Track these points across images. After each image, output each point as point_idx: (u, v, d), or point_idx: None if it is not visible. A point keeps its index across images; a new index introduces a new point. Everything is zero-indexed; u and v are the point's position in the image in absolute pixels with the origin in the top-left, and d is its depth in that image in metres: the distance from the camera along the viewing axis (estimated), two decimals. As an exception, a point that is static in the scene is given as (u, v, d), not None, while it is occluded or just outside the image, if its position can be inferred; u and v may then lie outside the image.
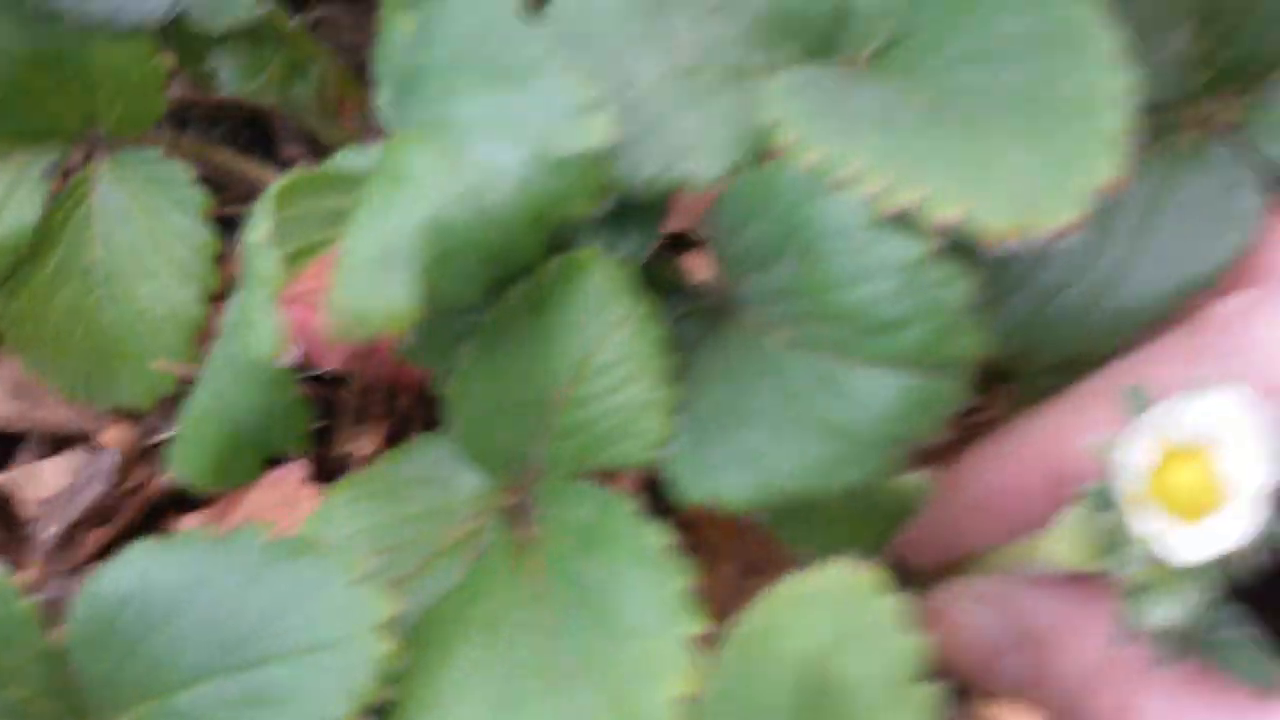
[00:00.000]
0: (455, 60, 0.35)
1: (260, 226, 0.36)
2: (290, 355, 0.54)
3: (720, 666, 0.33)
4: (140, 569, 0.36)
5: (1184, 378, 0.35)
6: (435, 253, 0.33)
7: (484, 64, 0.34)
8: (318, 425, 0.52)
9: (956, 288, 0.32)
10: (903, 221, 0.32)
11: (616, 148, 0.35)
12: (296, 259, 0.38)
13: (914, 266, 0.32)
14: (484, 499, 0.41)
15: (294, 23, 0.54)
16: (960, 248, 0.32)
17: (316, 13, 0.63)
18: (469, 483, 0.41)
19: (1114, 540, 0.32)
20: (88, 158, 0.52)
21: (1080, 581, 0.38)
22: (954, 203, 0.31)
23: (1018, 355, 0.40)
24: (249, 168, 0.55)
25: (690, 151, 0.36)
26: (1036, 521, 0.36)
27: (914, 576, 0.43)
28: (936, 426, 0.33)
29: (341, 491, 0.41)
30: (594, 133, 0.33)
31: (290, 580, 0.35)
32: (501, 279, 0.36)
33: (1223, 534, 0.29)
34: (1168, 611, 0.31)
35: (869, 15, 0.40)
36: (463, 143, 0.33)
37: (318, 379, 0.54)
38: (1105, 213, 0.39)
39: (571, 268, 0.37)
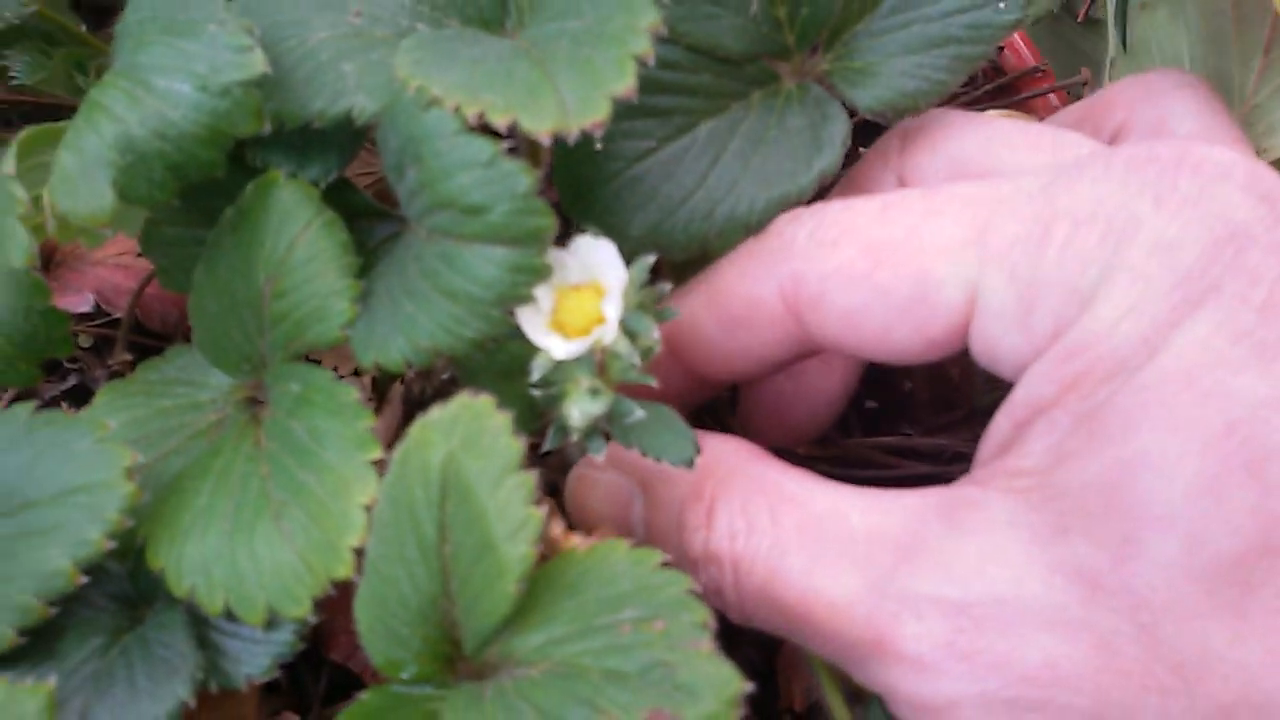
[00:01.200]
0: (146, 19, 0.45)
1: (7, 161, 0.45)
2: (86, 303, 0.63)
3: (388, 477, 0.43)
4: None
5: (744, 274, 0.47)
6: (125, 164, 0.43)
7: (166, 21, 0.44)
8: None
9: (524, 177, 0.42)
10: (483, 130, 0.42)
11: (284, 83, 0.46)
12: (39, 200, 0.47)
13: (489, 162, 0.42)
14: (227, 392, 0.51)
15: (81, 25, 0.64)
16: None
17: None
18: (214, 380, 0.51)
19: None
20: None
21: None
22: (503, 113, 0.41)
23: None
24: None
25: (351, 91, 0.46)
26: None
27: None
28: (529, 287, 0.43)
29: (105, 393, 0.51)
30: (250, 66, 0.43)
31: (48, 440, 0.44)
32: (193, 199, 0.45)
33: (596, 333, 0.42)
34: (585, 407, 0.42)
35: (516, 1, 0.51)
36: (148, 79, 0.43)
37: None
38: (720, 139, 0.51)
39: (265, 186, 0.47)
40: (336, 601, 0.45)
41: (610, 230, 0.50)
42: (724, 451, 0.47)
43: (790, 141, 0.50)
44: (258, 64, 0.43)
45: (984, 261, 0.41)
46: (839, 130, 0.50)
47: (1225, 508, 0.34)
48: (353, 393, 0.45)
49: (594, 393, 0.43)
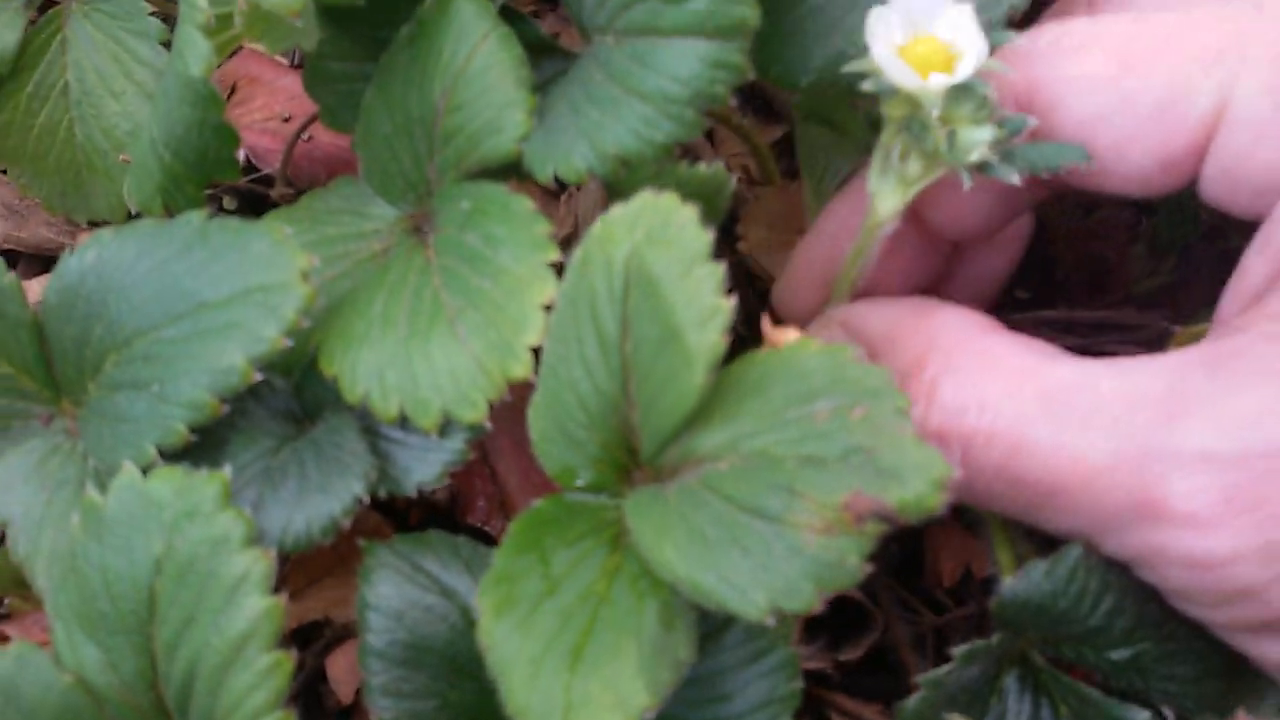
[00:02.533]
0: None
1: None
2: (240, 159, 0.63)
3: (569, 274, 0.41)
4: (96, 250, 0.45)
5: None
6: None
7: None
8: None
9: None
10: None
11: None
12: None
13: None
14: (392, 222, 0.50)
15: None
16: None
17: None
18: (379, 210, 0.50)
19: (918, 137, 0.40)
20: (60, -7, 0.61)
21: (906, 298, 0.47)
22: None
23: (828, 84, 0.48)
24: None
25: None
26: None
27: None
28: (729, 85, 0.42)
29: (272, 218, 0.50)
30: None
31: (221, 243, 0.43)
32: (360, 32, 0.45)
33: (967, 58, 0.39)
34: (978, 133, 0.39)
35: None
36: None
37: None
38: None
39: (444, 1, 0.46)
40: (472, 469, 0.43)
41: (792, 60, 0.48)
42: (947, 322, 0.44)
43: None
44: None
45: (1242, 71, 0.39)
46: None
47: None
48: (527, 202, 0.44)
49: (979, 119, 0.40)
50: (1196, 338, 0.43)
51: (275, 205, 0.62)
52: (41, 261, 0.66)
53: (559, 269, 0.42)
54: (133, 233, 0.45)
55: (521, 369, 0.42)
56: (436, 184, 0.48)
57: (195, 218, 0.44)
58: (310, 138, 0.62)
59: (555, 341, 0.41)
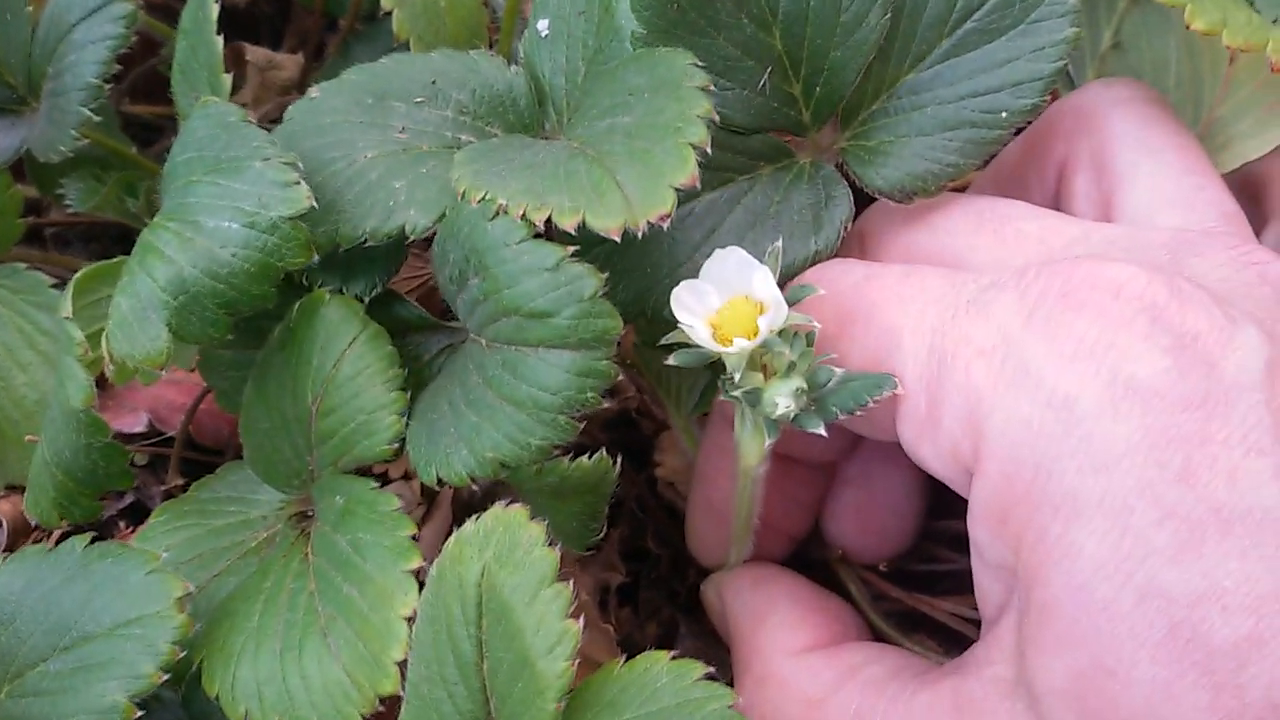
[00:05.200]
0: (192, 159, 0.46)
1: (65, 304, 0.46)
2: (141, 422, 0.65)
3: (425, 594, 0.43)
4: (-11, 580, 0.46)
5: None
6: (178, 304, 0.44)
7: (211, 159, 0.45)
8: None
9: (590, 280, 0.42)
10: (546, 236, 0.42)
11: (335, 204, 0.47)
12: (94, 336, 0.48)
13: (554, 267, 0.42)
14: (277, 508, 0.51)
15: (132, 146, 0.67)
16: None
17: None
18: (265, 497, 0.52)
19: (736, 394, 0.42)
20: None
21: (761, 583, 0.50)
22: (570, 215, 0.41)
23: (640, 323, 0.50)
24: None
25: (402, 207, 0.47)
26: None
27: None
28: (598, 392, 0.43)
29: (161, 513, 0.52)
30: (297, 200, 0.44)
31: (101, 574, 0.45)
32: (246, 322, 0.46)
33: (771, 316, 0.40)
34: (787, 388, 0.41)
35: (555, 99, 0.52)
36: (197, 219, 0.44)
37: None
38: (720, 212, 0.50)
39: (311, 305, 0.48)
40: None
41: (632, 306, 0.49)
42: (762, 643, 0.48)
43: (791, 219, 0.49)
44: (303, 198, 0.44)
45: (906, 362, 0.41)
46: (841, 212, 0.48)
47: (1183, 710, 0.34)
48: (393, 502, 0.46)
49: (790, 369, 0.41)
50: None
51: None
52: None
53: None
54: (21, 563, 0.46)
55: (390, 685, 0.43)
56: (318, 473, 0.49)
57: (76, 546, 0.46)
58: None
59: (418, 660, 0.42)
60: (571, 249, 0.43)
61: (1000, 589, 0.40)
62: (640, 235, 0.41)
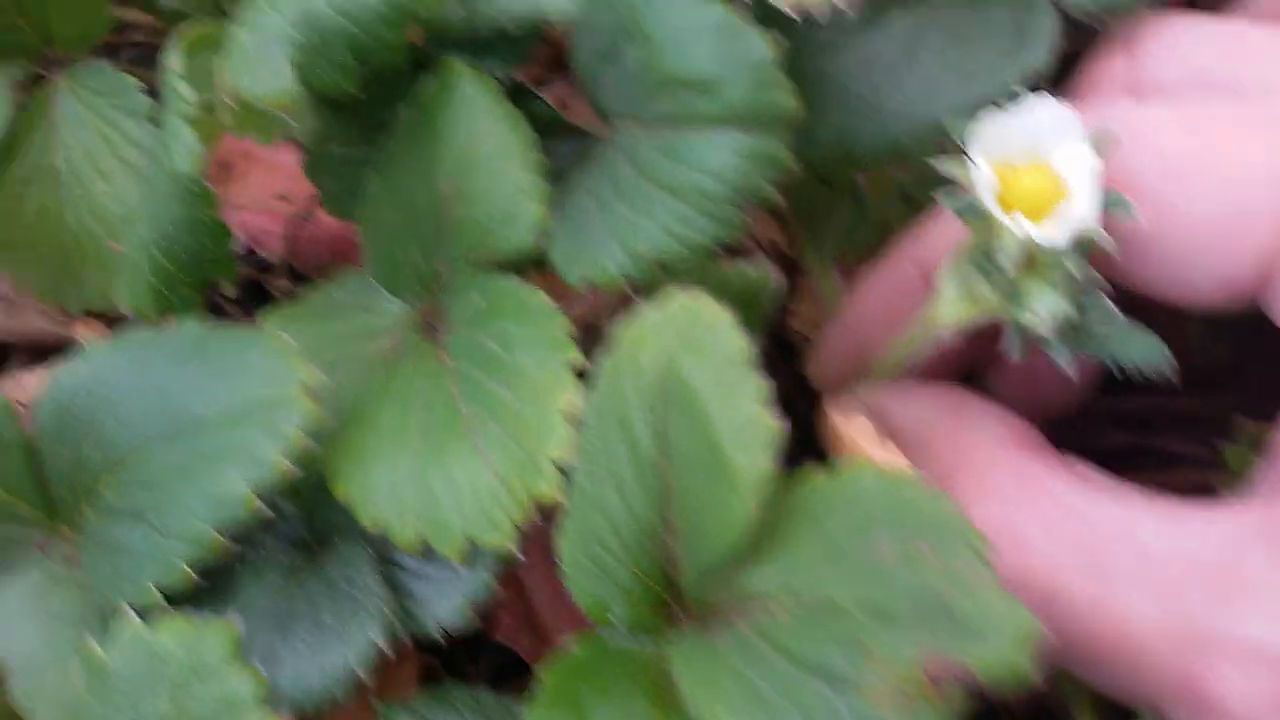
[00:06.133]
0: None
1: (174, 57, 0.41)
2: (236, 245, 0.60)
3: (598, 380, 0.38)
4: (89, 363, 0.41)
5: None
6: (308, 42, 0.39)
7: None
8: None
9: (764, 47, 0.37)
10: None
11: None
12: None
13: (726, 30, 0.37)
14: (401, 318, 0.46)
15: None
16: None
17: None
18: (387, 306, 0.46)
19: (987, 270, 0.37)
20: (47, 73, 0.58)
21: (942, 391, 0.43)
22: None
23: (841, 160, 0.45)
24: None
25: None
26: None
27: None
28: (768, 179, 0.38)
29: (271, 319, 0.47)
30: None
31: (218, 355, 0.40)
32: (367, 109, 0.41)
33: (1072, 217, 0.35)
34: (1050, 303, 0.36)
35: None
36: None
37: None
38: (917, 33, 0.45)
39: (446, 79, 0.42)
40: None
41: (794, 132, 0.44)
42: (983, 433, 0.40)
43: (993, 36, 0.44)
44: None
45: None
46: (1046, 24, 0.43)
47: None
48: (542, 296, 0.41)
49: (1067, 288, 0.36)
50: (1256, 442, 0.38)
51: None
52: (37, 354, 0.63)
53: (582, 373, 0.39)
54: (126, 344, 0.42)
55: (548, 488, 0.38)
56: (447, 278, 0.44)
57: (192, 326, 0.41)
58: (313, 217, 0.59)
59: (585, 458, 0.37)
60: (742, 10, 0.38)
61: None
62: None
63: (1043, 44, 0.43)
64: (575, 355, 0.39)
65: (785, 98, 0.38)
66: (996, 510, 0.38)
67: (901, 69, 0.45)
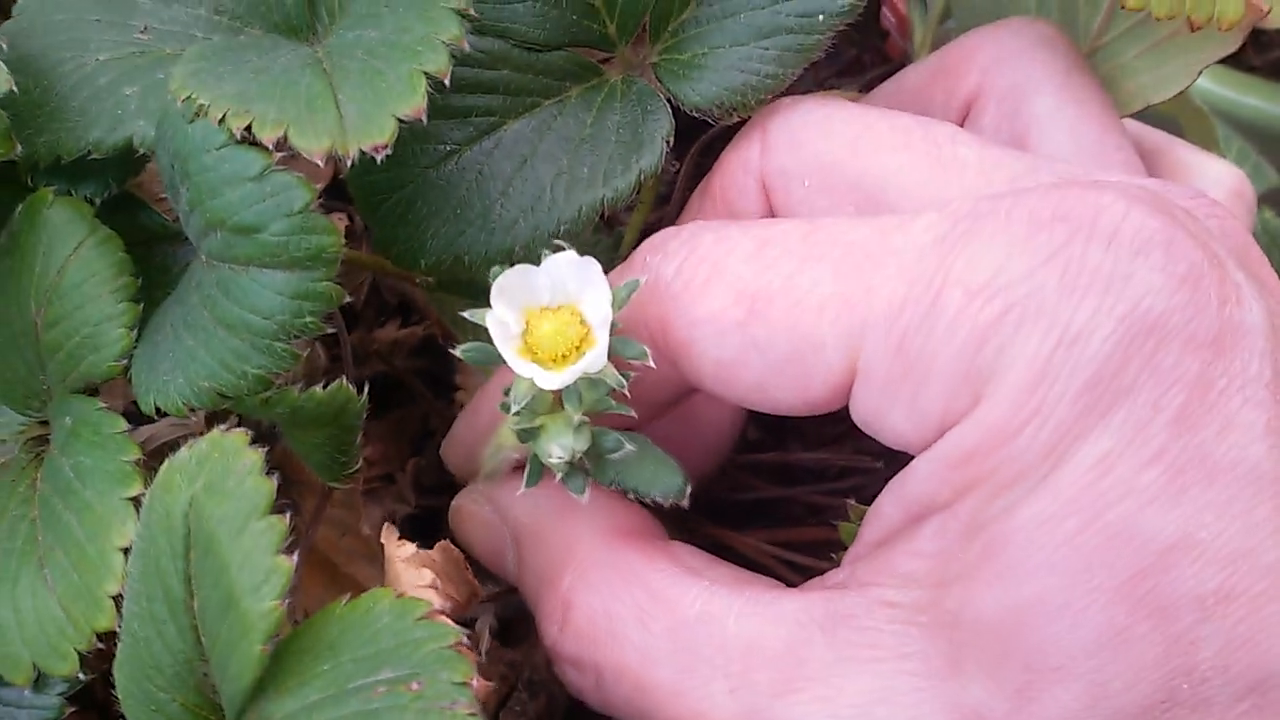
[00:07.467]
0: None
1: None
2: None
3: (137, 526, 0.39)
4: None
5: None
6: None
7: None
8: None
9: (300, 191, 0.38)
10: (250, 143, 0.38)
11: (60, 111, 0.43)
12: None
13: (258, 176, 0.38)
14: (16, 431, 0.47)
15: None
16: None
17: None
18: (5, 420, 0.47)
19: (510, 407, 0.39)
20: None
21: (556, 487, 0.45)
22: (273, 127, 0.37)
23: (453, 266, 0.46)
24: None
25: (131, 117, 0.43)
26: None
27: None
28: (318, 316, 0.40)
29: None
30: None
31: None
32: None
33: (586, 361, 0.37)
34: (564, 441, 0.38)
35: (327, 4, 0.47)
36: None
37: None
38: (529, 141, 0.47)
39: (33, 206, 0.43)
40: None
41: (404, 242, 0.46)
42: (586, 528, 0.42)
43: (609, 141, 0.46)
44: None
45: (867, 326, 0.36)
46: (661, 127, 0.45)
47: (1129, 659, 0.32)
48: (119, 424, 0.42)
49: (579, 426, 0.38)
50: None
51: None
52: None
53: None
54: None
55: (105, 620, 0.40)
56: (52, 394, 0.45)
57: None
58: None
59: (130, 595, 0.39)
60: (279, 155, 0.39)
61: (900, 518, 0.37)
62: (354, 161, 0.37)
63: (658, 147, 0.46)
64: (137, 488, 0.40)
65: (328, 239, 0.39)
66: (596, 602, 0.40)
67: (515, 179, 0.46)
